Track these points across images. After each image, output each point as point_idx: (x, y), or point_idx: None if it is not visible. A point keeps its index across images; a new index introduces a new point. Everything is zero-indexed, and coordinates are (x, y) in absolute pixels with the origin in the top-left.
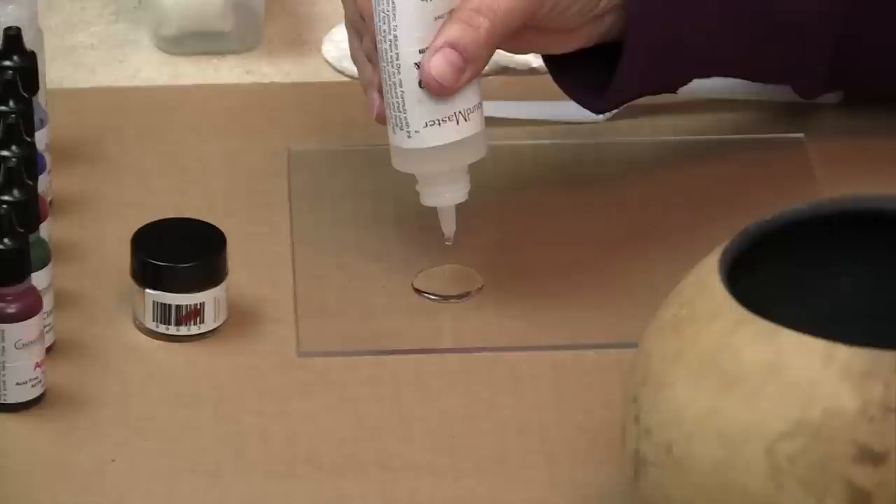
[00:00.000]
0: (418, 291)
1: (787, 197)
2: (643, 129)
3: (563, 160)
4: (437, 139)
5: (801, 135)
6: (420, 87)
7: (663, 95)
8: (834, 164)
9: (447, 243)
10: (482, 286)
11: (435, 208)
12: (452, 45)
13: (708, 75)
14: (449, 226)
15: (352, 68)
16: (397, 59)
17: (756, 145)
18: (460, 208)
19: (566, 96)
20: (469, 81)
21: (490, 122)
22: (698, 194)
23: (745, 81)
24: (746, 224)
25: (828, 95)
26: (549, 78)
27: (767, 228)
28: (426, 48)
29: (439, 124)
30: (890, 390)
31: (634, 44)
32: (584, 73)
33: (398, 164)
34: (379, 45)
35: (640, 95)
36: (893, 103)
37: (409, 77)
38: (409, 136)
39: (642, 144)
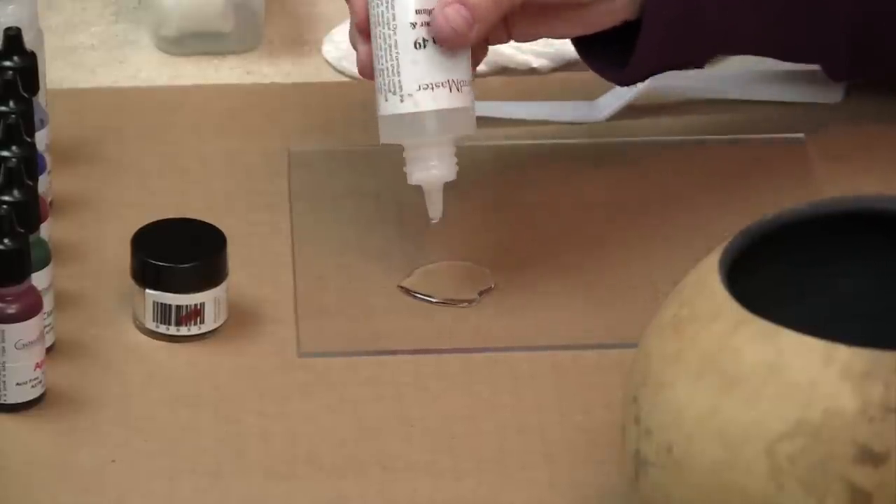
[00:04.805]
0: (408, 292)
1: (787, 197)
2: (643, 130)
3: (563, 160)
4: (430, 103)
5: (801, 135)
6: (415, 48)
7: (662, 95)
8: (834, 163)
9: (433, 222)
10: (492, 286)
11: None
12: (462, 2)
13: (733, 52)
14: (436, 207)
15: (352, 68)
16: (393, 19)
17: (756, 145)
18: (460, 207)
19: (566, 96)
20: (476, 41)
21: (490, 122)
22: (698, 194)
23: (745, 81)
24: (746, 224)
25: (828, 95)
26: (548, 78)
27: (767, 228)
28: (422, 10)
29: (433, 89)
30: (890, 390)
31: (652, 15)
32: (611, 51)
33: (387, 133)
34: (373, 10)
35: (664, 69)
36: (893, 103)
37: (405, 38)
38: (401, 101)
39: (642, 144)
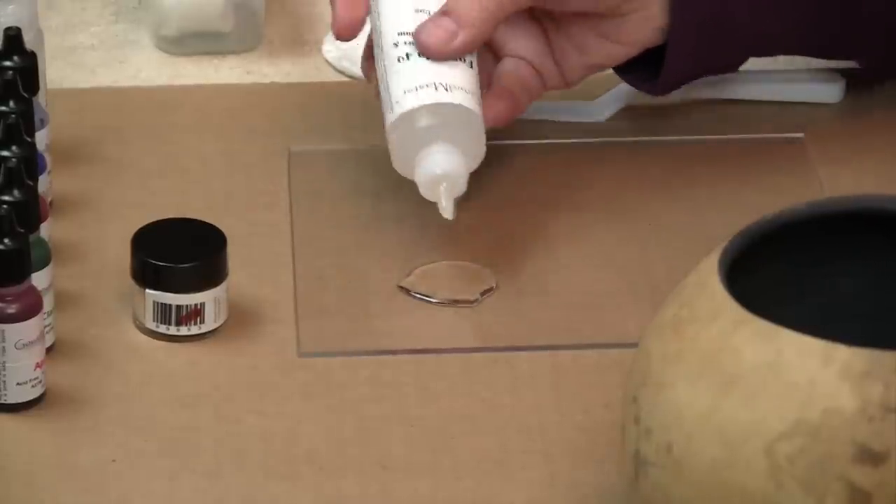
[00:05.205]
0: (408, 292)
1: (787, 197)
2: (643, 129)
3: (563, 160)
4: (413, 102)
5: (800, 135)
6: (398, 62)
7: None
8: (834, 163)
9: (448, 218)
10: (494, 287)
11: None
12: (446, 13)
13: (766, 53)
14: (444, 207)
15: (352, 68)
16: (382, 50)
17: (756, 145)
18: (460, 207)
19: (566, 96)
20: (463, 48)
21: None
22: (698, 194)
23: (744, 80)
24: (746, 224)
25: (827, 95)
26: None
27: (767, 228)
28: (404, 31)
29: (416, 90)
30: (889, 390)
31: (680, 18)
32: (645, 64)
33: (395, 155)
34: (374, 44)
35: (699, 74)
36: (893, 103)
37: (391, 58)
38: (391, 110)
39: (642, 144)
